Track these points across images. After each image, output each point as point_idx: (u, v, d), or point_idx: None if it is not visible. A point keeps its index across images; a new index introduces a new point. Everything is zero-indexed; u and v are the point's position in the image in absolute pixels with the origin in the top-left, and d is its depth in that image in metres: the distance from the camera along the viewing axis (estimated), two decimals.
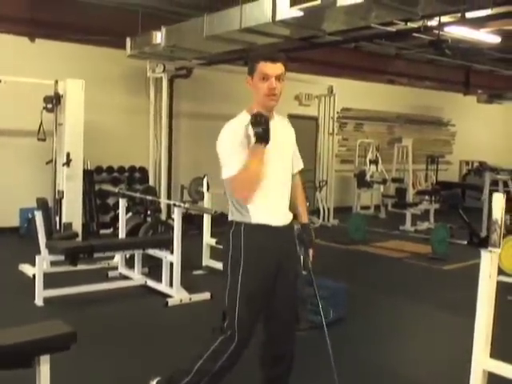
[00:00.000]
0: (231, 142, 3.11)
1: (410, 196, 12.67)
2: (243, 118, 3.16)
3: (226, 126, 3.19)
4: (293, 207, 3.41)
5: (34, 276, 6.39)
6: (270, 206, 3.20)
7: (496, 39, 10.99)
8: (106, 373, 4.26)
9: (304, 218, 3.46)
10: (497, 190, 10.82)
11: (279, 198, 3.25)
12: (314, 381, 4.18)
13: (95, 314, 5.61)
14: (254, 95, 3.20)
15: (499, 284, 6.90)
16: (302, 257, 3.42)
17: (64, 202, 8.88)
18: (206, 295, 6.17)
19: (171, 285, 6.15)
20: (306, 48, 10.13)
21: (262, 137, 3.00)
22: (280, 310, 3.32)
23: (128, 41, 9.77)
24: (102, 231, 10.04)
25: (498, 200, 3.10)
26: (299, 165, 3.49)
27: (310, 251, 3.41)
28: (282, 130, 3.29)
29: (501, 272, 7.00)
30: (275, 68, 3.11)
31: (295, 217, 3.43)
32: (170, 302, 5.94)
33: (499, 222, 3.10)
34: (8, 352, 3.25)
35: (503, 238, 3.25)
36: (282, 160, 3.24)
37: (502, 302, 6.35)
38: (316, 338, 5.04)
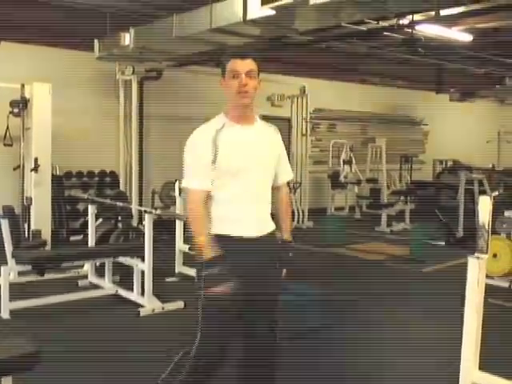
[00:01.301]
0: (199, 149, 3.01)
1: (385, 196, 12.64)
2: (215, 123, 3.06)
3: (195, 132, 3.06)
4: (276, 221, 3.24)
5: None
6: (242, 218, 3.03)
7: (468, 37, 10.97)
8: None
9: (286, 235, 3.27)
10: (471, 189, 10.78)
11: (252, 210, 3.06)
12: None
13: (64, 326, 5.39)
14: (228, 97, 3.06)
15: None
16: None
17: (32, 208, 8.73)
18: (179, 304, 5.98)
19: (143, 294, 5.96)
20: (277, 48, 10.05)
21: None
22: (259, 326, 3.15)
23: (96, 43, 9.60)
24: (72, 238, 9.80)
25: (485, 203, 2.97)
26: (287, 175, 3.33)
27: (284, 270, 3.24)
28: (266, 139, 3.16)
29: None
30: (244, 64, 3.00)
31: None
32: (142, 311, 5.74)
33: (486, 227, 2.96)
34: None
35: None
36: (258, 169, 3.06)
37: (485, 305, 6.27)
38: (292, 348, 4.92)
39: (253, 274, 3.02)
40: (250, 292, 3.00)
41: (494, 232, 7.25)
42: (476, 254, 3.01)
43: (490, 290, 6.56)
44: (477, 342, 3.04)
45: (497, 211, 8.56)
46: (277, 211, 3.28)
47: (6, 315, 5.57)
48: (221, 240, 2.96)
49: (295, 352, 4.79)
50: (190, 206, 3.01)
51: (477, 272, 3.03)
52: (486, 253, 2.99)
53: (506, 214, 7.05)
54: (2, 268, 5.67)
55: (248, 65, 3.00)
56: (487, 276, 6.68)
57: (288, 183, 3.38)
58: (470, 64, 15.45)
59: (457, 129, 17.99)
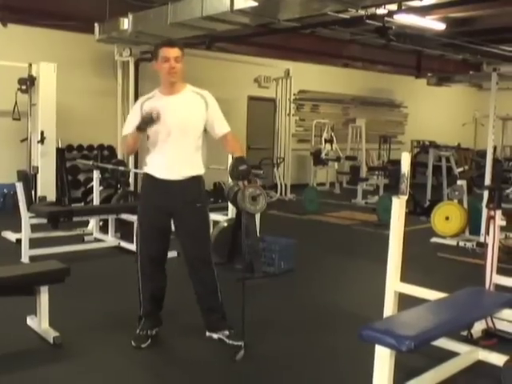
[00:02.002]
0: (133, 110, 4.20)
1: (364, 173, 13.54)
2: (150, 94, 4.22)
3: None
4: (231, 152, 4.36)
5: (17, 240, 7.12)
6: (161, 164, 4.10)
7: (441, 26, 11.73)
8: (91, 307, 5.10)
9: (237, 154, 4.21)
10: (440, 166, 11.73)
11: (172, 159, 4.10)
12: (262, 314, 5.05)
13: (76, 267, 6.27)
14: (161, 76, 4.13)
15: (433, 244, 7.92)
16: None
17: (39, 177, 9.51)
18: (173, 253, 6.86)
19: None
20: (264, 33, 10.81)
21: (140, 128, 3.96)
22: (186, 245, 4.26)
23: (97, 26, 10.32)
24: (74, 205, 10.62)
25: (406, 158, 3.92)
26: (223, 129, 4.25)
27: (243, 182, 4.16)
28: (186, 104, 4.15)
29: (435, 234, 7.94)
30: (173, 51, 4.07)
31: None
32: None
33: (406, 175, 3.92)
34: (15, 281, 4.03)
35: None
36: (176, 127, 4.07)
37: (434, 257, 7.39)
38: (267, 284, 5.97)
39: (176, 203, 4.12)
40: (176, 215, 4.17)
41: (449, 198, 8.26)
42: (398, 195, 3.95)
43: (441, 247, 7.65)
44: (398, 261, 4.00)
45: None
46: (228, 148, 4.31)
47: (26, 260, 6.53)
48: (149, 179, 4.16)
49: (272, 288, 5.85)
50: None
51: (399, 208, 3.96)
52: (406, 195, 3.94)
53: (459, 182, 7.96)
54: (23, 221, 6.61)
55: (176, 52, 4.08)
56: (440, 236, 7.75)
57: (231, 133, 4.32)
58: (448, 50, 16.30)
59: (435, 112, 18.79)
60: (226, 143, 4.26)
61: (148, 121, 3.90)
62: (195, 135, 4.14)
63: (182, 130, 4.09)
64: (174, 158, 4.10)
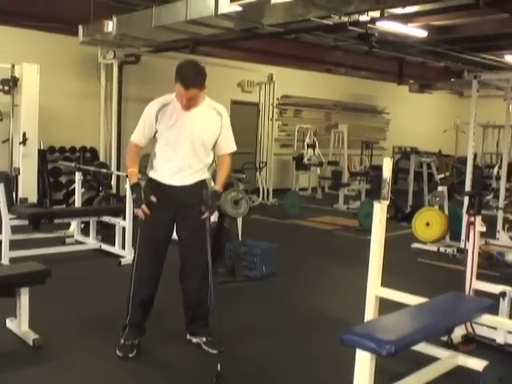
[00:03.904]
0: (146, 114, 4.13)
1: (345, 178, 13.59)
2: (167, 98, 4.14)
3: (152, 101, 4.18)
4: (217, 177, 4.35)
5: None
6: (168, 170, 4.10)
7: (423, 33, 11.80)
8: (72, 309, 5.10)
9: (218, 186, 4.28)
10: (422, 172, 11.83)
11: (179, 168, 4.10)
12: (243, 318, 5.05)
13: (57, 269, 6.22)
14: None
15: (414, 249, 7.99)
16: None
17: (20, 178, 9.46)
18: None
19: (124, 247, 6.90)
20: (248, 38, 10.81)
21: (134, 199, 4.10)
22: (187, 250, 4.24)
23: (80, 28, 10.24)
24: (55, 207, 10.56)
25: (387, 163, 3.95)
26: (229, 148, 4.32)
27: (206, 213, 4.17)
28: (203, 119, 4.14)
29: (416, 240, 8.00)
30: (188, 93, 3.99)
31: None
32: (123, 261, 6.67)
33: (388, 181, 3.95)
34: None
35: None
36: (187, 141, 4.08)
37: (414, 263, 7.45)
38: (249, 288, 5.99)
39: (179, 208, 4.15)
40: (178, 219, 4.18)
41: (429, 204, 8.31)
42: (380, 200, 3.97)
43: (421, 253, 7.71)
44: (379, 265, 4.03)
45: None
46: (218, 171, 4.37)
47: (6, 262, 6.47)
48: (154, 184, 4.15)
49: (253, 291, 5.86)
50: (128, 150, 4.26)
51: (380, 213, 3.99)
52: (387, 199, 3.97)
53: (439, 188, 8.04)
54: (3, 222, 6.56)
55: (190, 93, 4.00)
56: (421, 241, 7.81)
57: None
58: (430, 58, 16.39)
59: (417, 118, 18.97)
60: (222, 163, 4.34)
61: (140, 204, 4.04)
62: (207, 149, 4.20)
63: (195, 144, 4.11)
64: (182, 168, 4.11)
